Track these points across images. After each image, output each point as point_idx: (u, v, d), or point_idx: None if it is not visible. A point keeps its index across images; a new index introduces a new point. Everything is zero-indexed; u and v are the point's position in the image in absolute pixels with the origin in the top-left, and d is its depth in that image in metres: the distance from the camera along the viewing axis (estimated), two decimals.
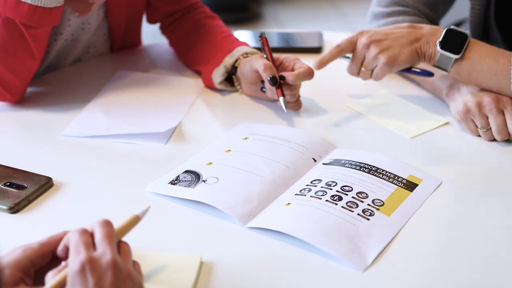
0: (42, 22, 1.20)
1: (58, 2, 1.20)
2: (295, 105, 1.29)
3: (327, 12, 3.82)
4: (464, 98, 1.22)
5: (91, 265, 0.74)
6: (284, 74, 1.27)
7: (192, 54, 1.45)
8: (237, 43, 1.39)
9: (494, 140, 1.20)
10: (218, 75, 1.34)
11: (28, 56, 1.25)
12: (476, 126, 1.20)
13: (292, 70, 1.29)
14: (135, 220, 0.84)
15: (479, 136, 1.21)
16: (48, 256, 0.81)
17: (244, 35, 1.63)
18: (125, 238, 0.84)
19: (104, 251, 0.76)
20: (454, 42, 1.20)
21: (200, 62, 1.42)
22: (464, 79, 1.23)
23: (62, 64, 1.46)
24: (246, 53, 1.35)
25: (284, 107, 1.25)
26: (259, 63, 1.28)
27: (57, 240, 0.81)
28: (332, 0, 3.94)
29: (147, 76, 1.44)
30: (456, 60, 1.20)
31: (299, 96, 1.30)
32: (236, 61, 1.34)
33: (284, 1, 3.92)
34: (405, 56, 1.21)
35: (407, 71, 1.27)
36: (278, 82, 1.26)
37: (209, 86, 1.38)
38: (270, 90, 1.29)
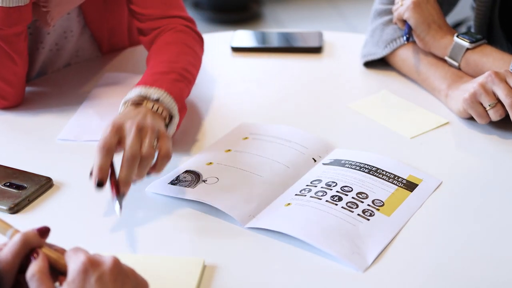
0: (4, 22, 1.17)
1: (22, 1, 1.16)
2: (158, 166, 1.04)
3: (327, 12, 3.82)
4: (466, 88, 1.23)
5: (92, 263, 0.74)
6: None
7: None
8: (141, 82, 1.15)
9: (505, 120, 1.18)
10: None
11: (8, 60, 1.24)
12: (485, 109, 1.19)
13: None
14: None
15: (489, 122, 1.20)
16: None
17: (244, 35, 1.63)
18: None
19: (102, 256, 0.76)
20: (470, 36, 1.31)
21: None
22: (472, 70, 1.29)
23: (51, 72, 1.45)
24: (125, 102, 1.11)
25: (118, 212, 0.96)
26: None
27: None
28: (332, 0, 3.94)
29: (136, 77, 1.43)
30: (468, 50, 1.29)
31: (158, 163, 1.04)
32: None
33: (284, 1, 3.92)
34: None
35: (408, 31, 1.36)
36: (103, 184, 0.98)
37: None
38: None
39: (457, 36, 1.31)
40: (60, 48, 1.42)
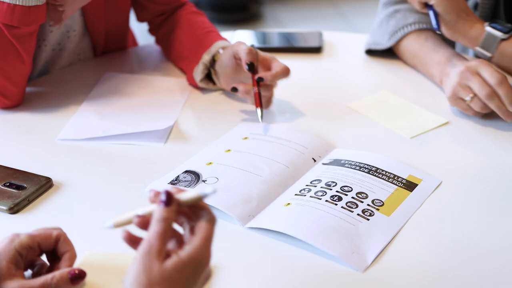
0: (22, 21, 1.18)
1: (40, 0, 1.18)
2: (266, 104, 1.28)
3: (327, 12, 3.82)
4: (450, 82, 1.25)
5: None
6: (262, 74, 1.24)
7: (175, 51, 1.45)
8: (216, 38, 1.38)
9: (488, 115, 1.20)
10: (198, 73, 1.34)
11: (17, 59, 1.25)
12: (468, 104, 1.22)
13: (269, 70, 1.27)
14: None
15: (475, 114, 1.23)
16: (36, 250, 0.81)
17: (244, 35, 1.63)
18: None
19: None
20: (501, 26, 1.27)
21: (181, 59, 1.42)
22: (508, 62, 1.29)
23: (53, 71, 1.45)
24: (223, 48, 1.34)
25: (260, 119, 1.23)
26: (242, 47, 1.27)
27: (47, 236, 0.81)
28: (332, 0, 3.94)
29: (135, 77, 1.43)
30: (502, 40, 1.26)
31: (271, 96, 1.29)
32: (214, 55, 1.33)
33: (284, 1, 3.92)
34: None
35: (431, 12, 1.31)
36: (255, 70, 1.25)
37: (193, 84, 1.38)
38: (245, 93, 1.26)
39: (489, 26, 1.28)
40: (62, 48, 1.42)
